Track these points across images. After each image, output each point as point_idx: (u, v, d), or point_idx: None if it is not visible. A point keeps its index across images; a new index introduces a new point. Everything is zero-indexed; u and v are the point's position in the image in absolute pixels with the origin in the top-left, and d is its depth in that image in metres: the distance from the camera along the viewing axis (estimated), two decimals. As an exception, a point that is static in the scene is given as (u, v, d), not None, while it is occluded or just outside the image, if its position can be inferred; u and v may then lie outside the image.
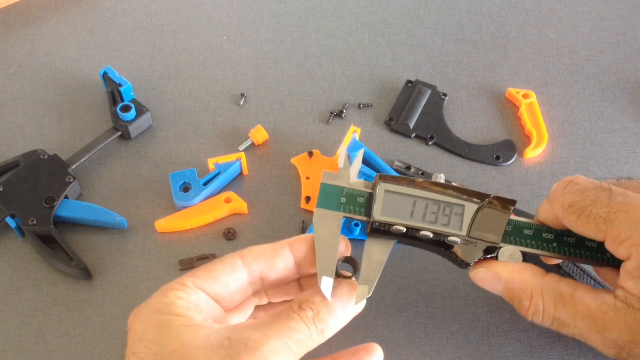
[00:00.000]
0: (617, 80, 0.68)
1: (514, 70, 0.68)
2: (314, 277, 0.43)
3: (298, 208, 0.58)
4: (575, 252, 0.46)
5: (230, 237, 0.56)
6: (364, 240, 0.55)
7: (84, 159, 0.58)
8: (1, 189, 0.55)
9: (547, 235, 0.46)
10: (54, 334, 0.51)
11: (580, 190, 0.43)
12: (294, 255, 0.42)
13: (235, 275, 0.40)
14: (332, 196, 0.45)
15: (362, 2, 0.74)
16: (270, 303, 0.45)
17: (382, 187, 0.45)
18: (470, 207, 0.46)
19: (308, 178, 0.59)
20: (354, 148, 0.58)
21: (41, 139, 0.62)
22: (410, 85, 0.66)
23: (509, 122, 0.64)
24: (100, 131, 0.61)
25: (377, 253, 0.44)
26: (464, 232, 0.45)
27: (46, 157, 0.57)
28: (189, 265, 0.54)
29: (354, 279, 0.42)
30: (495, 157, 0.61)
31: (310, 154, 0.60)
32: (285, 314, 0.38)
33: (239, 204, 0.57)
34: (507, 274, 0.45)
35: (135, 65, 0.68)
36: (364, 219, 0.45)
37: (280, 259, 0.41)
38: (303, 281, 0.45)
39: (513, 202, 0.46)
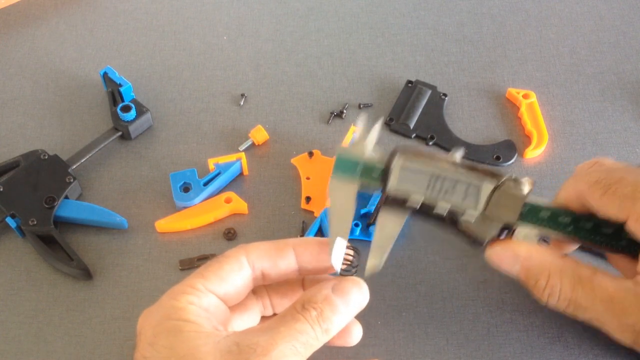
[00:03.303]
0: (617, 80, 0.68)
1: (514, 70, 0.68)
2: (317, 280, 0.43)
3: (298, 208, 0.58)
4: (590, 237, 0.45)
5: (230, 237, 0.56)
6: (364, 240, 0.55)
7: (84, 159, 0.58)
8: (1, 189, 0.55)
9: (563, 219, 0.46)
10: (54, 334, 0.51)
11: (606, 169, 0.44)
12: (297, 257, 0.42)
13: (241, 273, 0.40)
14: (348, 167, 0.45)
15: (362, 2, 0.74)
16: (275, 314, 0.45)
17: (398, 161, 0.45)
18: (487, 186, 0.45)
19: (308, 178, 0.59)
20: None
21: (41, 139, 0.62)
22: (410, 85, 0.66)
23: (509, 122, 0.64)
24: (100, 131, 0.61)
25: (389, 226, 0.44)
26: (479, 210, 0.45)
27: (46, 157, 0.57)
28: (189, 265, 0.54)
29: (355, 276, 0.42)
30: (495, 157, 0.61)
31: (310, 154, 0.60)
32: (290, 315, 0.38)
33: (239, 204, 0.57)
34: (525, 252, 0.44)
35: (135, 65, 0.68)
36: (379, 189, 0.45)
37: (282, 259, 0.41)
38: (307, 285, 0.45)
39: (531, 183, 0.46)
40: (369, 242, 0.55)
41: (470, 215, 0.45)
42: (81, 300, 0.52)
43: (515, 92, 0.65)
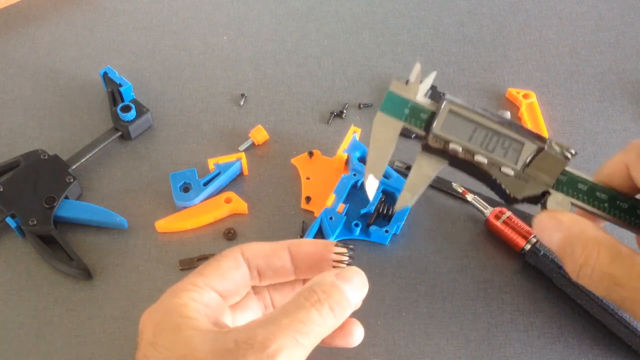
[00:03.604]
0: (617, 80, 0.68)
1: (514, 70, 0.68)
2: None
3: (298, 208, 0.58)
4: (625, 217, 0.45)
5: (230, 237, 0.56)
6: (363, 240, 0.55)
7: (84, 159, 0.58)
8: (1, 189, 0.55)
9: (600, 195, 0.46)
10: (54, 334, 0.51)
11: None
12: (292, 257, 0.42)
13: (239, 271, 0.40)
14: (397, 105, 0.46)
15: (362, 2, 0.74)
16: None
17: (447, 106, 0.45)
18: (530, 146, 0.45)
19: (308, 178, 0.59)
20: (354, 148, 0.58)
21: (41, 139, 0.62)
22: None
23: (509, 122, 0.64)
24: (100, 131, 0.61)
25: (427, 167, 0.45)
26: (519, 167, 0.45)
27: (46, 157, 0.57)
28: (189, 265, 0.54)
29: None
30: (495, 157, 0.61)
31: (310, 154, 0.60)
32: (294, 304, 0.37)
33: (239, 204, 0.57)
34: (569, 221, 0.44)
35: (135, 65, 0.68)
36: (422, 133, 0.45)
37: (277, 258, 0.41)
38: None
39: (573, 153, 0.46)
40: (369, 242, 0.55)
41: (509, 171, 0.45)
42: (81, 300, 0.52)
43: (515, 92, 0.65)
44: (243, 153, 0.60)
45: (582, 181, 0.46)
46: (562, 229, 0.44)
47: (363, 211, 0.56)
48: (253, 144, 0.61)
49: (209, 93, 0.66)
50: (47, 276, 0.53)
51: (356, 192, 0.57)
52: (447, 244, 0.56)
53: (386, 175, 0.57)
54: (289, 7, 0.73)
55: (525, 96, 0.65)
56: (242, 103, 0.65)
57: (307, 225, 0.56)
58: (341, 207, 0.55)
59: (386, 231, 0.55)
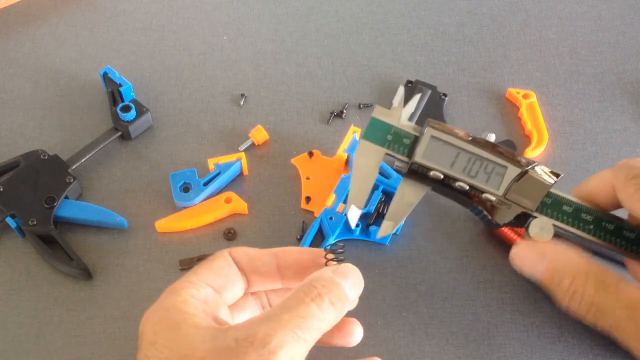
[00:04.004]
0: (617, 80, 0.68)
1: (514, 70, 0.68)
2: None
3: (298, 208, 0.58)
4: (611, 239, 0.44)
5: (230, 237, 0.56)
6: (363, 240, 0.55)
7: (84, 159, 0.58)
8: (1, 189, 0.55)
9: (585, 216, 0.45)
10: (54, 334, 0.51)
11: None
12: (279, 264, 0.42)
13: (232, 269, 0.41)
14: (380, 131, 0.46)
15: (362, 2, 0.74)
16: None
17: (429, 132, 0.45)
18: (513, 170, 0.45)
19: (308, 178, 0.59)
20: (354, 148, 0.58)
21: (41, 139, 0.62)
22: (410, 85, 0.66)
23: (509, 122, 0.64)
24: (100, 131, 0.61)
25: (409, 195, 0.45)
26: (501, 192, 0.45)
27: (46, 157, 0.57)
28: (189, 265, 0.54)
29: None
30: (495, 157, 0.61)
31: (310, 154, 0.60)
32: (295, 299, 0.37)
33: (239, 204, 0.57)
34: (552, 252, 0.43)
35: (135, 65, 0.68)
36: (405, 159, 0.45)
37: (262, 263, 0.41)
38: None
39: (557, 175, 0.45)
40: (369, 242, 0.55)
41: (491, 196, 0.45)
42: (81, 300, 0.52)
43: (515, 92, 0.65)
44: (243, 153, 0.60)
45: (568, 203, 0.46)
46: (546, 260, 0.44)
47: (363, 211, 0.56)
48: (253, 144, 0.61)
49: (209, 93, 0.66)
50: (47, 276, 0.53)
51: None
52: (447, 244, 0.56)
53: (386, 175, 0.57)
54: (289, 7, 0.73)
55: (525, 96, 0.65)
56: (242, 103, 0.65)
57: (307, 225, 0.56)
58: (341, 207, 0.55)
59: (386, 231, 0.55)
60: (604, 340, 0.51)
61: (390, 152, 0.45)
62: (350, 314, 0.41)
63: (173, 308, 0.37)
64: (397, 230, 0.56)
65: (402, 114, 0.46)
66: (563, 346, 0.51)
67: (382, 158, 0.45)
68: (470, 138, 0.46)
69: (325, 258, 0.41)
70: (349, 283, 0.39)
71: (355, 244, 0.55)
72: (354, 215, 0.42)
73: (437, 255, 0.55)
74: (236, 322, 0.42)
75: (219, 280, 0.40)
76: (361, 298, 0.52)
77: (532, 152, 0.61)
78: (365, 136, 0.46)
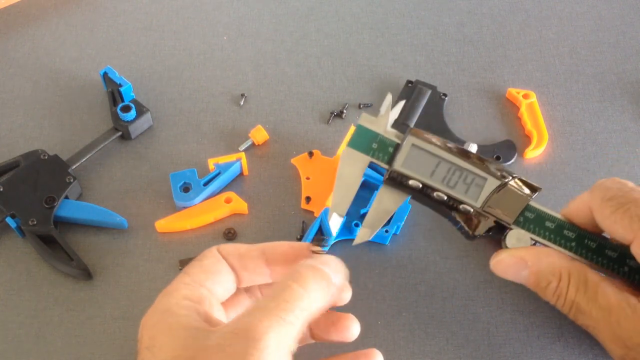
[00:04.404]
0: (617, 80, 0.68)
1: (514, 70, 0.68)
2: None
3: (298, 208, 0.58)
4: (592, 257, 0.44)
5: (230, 237, 0.56)
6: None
7: (84, 159, 0.58)
8: (1, 189, 0.55)
9: (567, 233, 0.45)
10: (54, 334, 0.51)
11: (625, 189, 0.43)
12: (267, 259, 0.42)
13: (222, 266, 0.41)
14: (365, 139, 0.46)
15: (362, 2, 0.74)
16: None
17: (410, 140, 0.45)
18: (492, 182, 0.45)
19: (308, 178, 0.59)
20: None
21: (41, 139, 0.62)
22: (410, 85, 0.66)
23: (509, 122, 0.64)
24: (100, 131, 0.61)
25: (387, 202, 0.45)
26: (479, 204, 0.45)
27: (46, 157, 0.57)
28: (189, 265, 0.54)
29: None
30: (495, 157, 0.61)
31: (310, 154, 0.60)
32: (279, 285, 0.37)
33: (239, 204, 0.57)
34: (533, 256, 0.43)
35: (135, 65, 0.68)
36: (386, 166, 0.45)
37: (250, 259, 0.41)
38: None
39: (537, 189, 0.45)
40: (369, 242, 0.55)
41: (469, 207, 0.44)
42: (81, 300, 0.52)
43: (515, 92, 0.65)
44: (243, 153, 0.60)
45: (550, 219, 0.45)
46: (529, 265, 0.44)
47: (363, 211, 0.56)
48: (253, 144, 0.61)
49: (209, 93, 0.66)
50: (47, 276, 0.53)
51: (356, 192, 0.57)
52: (447, 244, 0.56)
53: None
54: (289, 7, 0.73)
55: (525, 96, 0.65)
56: (242, 103, 0.65)
57: (307, 225, 0.56)
58: (341, 207, 0.55)
59: (386, 231, 0.55)
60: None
61: (374, 160, 0.45)
62: (350, 313, 0.41)
63: (167, 311, 0.37)
64: (397, 230, 0.56)
65: (388, 122, 0.46)
66: (563, 346, 0.51)
67: (365, 166, 0.45)
68: (451, 147, 0.45)
69: (310, 250, 0.41)
70: (331, 268, 0.39)
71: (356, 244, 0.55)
72: (335, 223, 0.42)
73: (437, 255, 0.55)
74: (230, 319, 0.42)
75: (210, 279, 0.40)
76: (361, 298, 0.52)
77: (532, 152, 0.61)
78: (351, 144, 0.46)
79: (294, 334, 0.35)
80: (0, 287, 0.53)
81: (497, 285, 0.54)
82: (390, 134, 0.46)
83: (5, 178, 0.56)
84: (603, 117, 0.65)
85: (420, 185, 0.44)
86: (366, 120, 0.46)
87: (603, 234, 0.45)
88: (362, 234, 0.43)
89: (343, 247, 0.55)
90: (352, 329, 0.42)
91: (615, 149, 0.62)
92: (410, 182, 0.44)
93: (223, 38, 0.70)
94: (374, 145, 0.45)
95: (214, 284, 0.40)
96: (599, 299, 0.42)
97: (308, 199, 0.58)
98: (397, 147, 0.45)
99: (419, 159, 0.45)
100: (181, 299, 0.38)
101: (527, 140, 0.63)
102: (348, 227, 0.55)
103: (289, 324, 0.35)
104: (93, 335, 0.51)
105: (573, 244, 0.45)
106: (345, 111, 0.64)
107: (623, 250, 0.44)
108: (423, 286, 0.54)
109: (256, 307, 0.36)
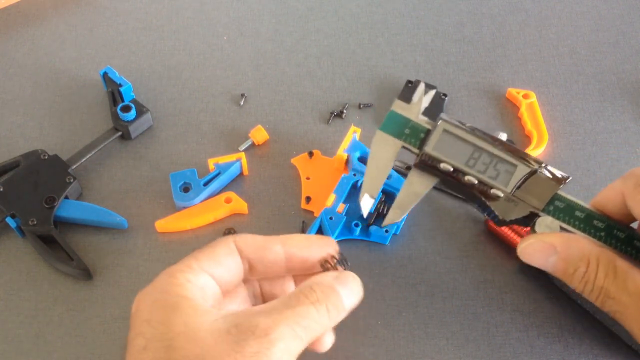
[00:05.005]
0: (617, 80, 0.68)
1: (514, 70, 0.68)
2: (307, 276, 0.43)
3: (298, 208, 0.58)
4: (621, 247, 0.45)
5: (230, 237, 0.56)
6: (363, 240, 0.55)
7: (84, 159, 0.58)
8: (1, 189, 0.55)
9: (597, 223, 0.45)
10: (54, 334, 0.51)
11: None
12: (285, 252, 0.42)
13: (233, 258, 0.40)
14: (398, 124, 0.47)
15: (362, 2, 0.74)
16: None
17: (442, 125, 0.47)
18: (522, 168, 0.46)
19: (308, 178, 0.59)
20: (354, 148, 0.58)
21: (41, 139, 0.62)
22: (410, 85, 0.66)
23: (509, 122, 0.64)
24: (100, 131, 0.61)
25: (417, 185, 0.46)
26: (509, 189, 0.45)
27: (46, 157, 0.57)
28: (189, 265, 0.54)
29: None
30: (495, 157, 0.61)
31: (310, 154, 0.60)
32: (295, 298, 0.37)
33: (239, 204, 0.57)
34: (562, 242, 0.44)
35: (135, 65, 0.68)
36: (416, 151, 0.46)
37: (269, 251, 0.41)
38: (298, 280, 0.45)
39: (566, 178, 0.46)
40: (369, 242, 0.55)
41: (500, 192, 0.45)
42: (81, 300, 0.52)
43: (515, 92, 0.65)
44: (243, 153, 0.60)
45: (580, 209, 0.46)
46: (558, 251, 0.44)
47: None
48: (253, 144, 0.61)
49: (209, 93, 0.66)
50: (47, 276, 0.53)
51: (356, 192, 0.57)
52: (447, 244, 0.56)
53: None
54: (289, 7, 0.73)
55: (525, 96, 0.65)
56: (242, 103, 0.65)
57: (307, 225, 0.56)
58: (341, 207, 0.55)
59: (386, 231, 0.55)
60: (604, 340, 0.51)
61: (406, 145, 0.46)
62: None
63: (170, 291, 0.37)
64: (397, 230, 0.56)
65: (421, 108, 0.47)
66: (563, 346, 0.51)
67: (398, 150, 0.47)
68: (482, 135, 0.46)
69: (331, 263, 0.41)
70: (348, 292, 0.40)
71: (355, 244, 0.55)
72: (366, 204, 0.43)
73: (437, 255, 0.55)
74: (227, 309, 0.42)
75: (219, 269, 0.40)
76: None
77: (532, 152, 0.61)
78: (383, 128, 0.47)
79: (299, 349, 0.36)
80: (0, 287, 0.53)
81: (497, 285, 0.54)
82: (422, 120, 0.47)
83: (5, 178, 0.56)
84: (603, 117, 0.65)
85: (451, 169, 0.45)
86: (399, 106, 0.47)
87: (631, 225, 0.46)
88: (392, 216, 0.44)
89: (343, 247, 0.55)
90: (326, 340, 0.42)
91: (615, 149, 0.62)
92: (442, 165, 0.45)
93: (223, 38, 0.70)
94: (407, 131, 0.47)
95: (220, 272, 0.40)
96: (628, 285, 0.42)
97: (308, 199, 0.58)
98: (428, 132, 0.46)
99: (450, 143, 0.46)
100: (184, 281, 0.38)
101: (527, 140, 0.63)
102: (348, 227, 0.55)
103: (299, 339, 0.36)
104: (93, 335, 0.51)
105: (602, 233, 0.45)
106: (345, 111, 0.64)
107: None
108: (423, 286, 0.54)
109: (272, 310, 0.36)
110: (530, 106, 0.64)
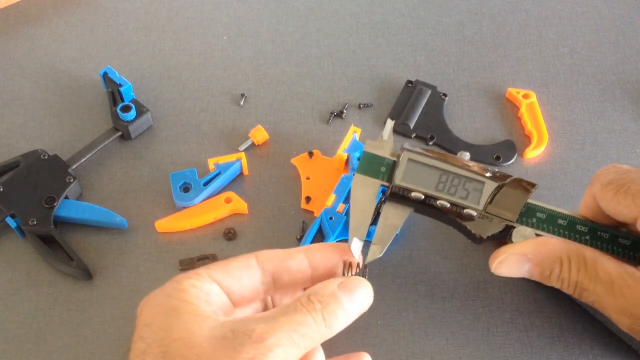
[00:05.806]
0: (617, 80, 0.68)
1: (514, 70, 0.68)
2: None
3: (298, 208, 0.58)
4: (607, 248, 0.46)
5: (230, 237, 0.56)
6: (364, 241, 0.55)
7: (84, 159, 0.58)
8: (1, 189, 0.55)
9: (580, 228, 0.46)
10: (54, 334, 0.51)
11: (621, 170, 0.44)
12: (309, 260, 0.42)
13: (248, 272, 0.40)
14: (373, 164, 0.48)
15: (362, 2, 0.74)
16: None
17: (405, 155, 0.47)
18: (490, 184, 0.47)
19: (308, 178, 0.59)
20: (354, 148, 0.58)
21: (41, 139, 0.62)
22: (410, 85, 0.66)
23: (509, 122, 0.64)
24: (100, 131, 0.61)
25: (393, 217, 0.46)
26: (481, 207, 0.46)
27: (46, 157, 0.57)
28: (189, 265, 0.54)
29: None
30: (495, 157, 0.61)
31: (310, 154, 0.60)
32: (292, 307, 0.37)
33: (239, 204, 0.57)
34: (532, 248, 0.45)
35: (135, 65, 0.68)
36: (386, 184, 0.47)
37: (293, 260, 0.41)
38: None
39: (533, 185, 0.47)
40: (369, 242, 0.55)
41: (472, 211, 0.46)
42: (81, 300, 0.52)
43: (515, 92, 0.65)
44: (243, 153, 0.60)
45: (562, 217, 0.47)
46: (530, 258, 0.45)
47: (363, 211, 0.56)
48: (253, 144, 0.61)
49: (209, 93, 0.66)
50: (47, 276, 0.53)
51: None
52: (447, 244, 0.56)
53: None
54: (289, 7, 0.73)
55: (525, 96, 0.65)
56: (242, 103, 0.65)
57: (307, 225, 0.56)
58: (341, 207, 0.55)
59: (386, 231, 0.55)
60: (604, 340, 0.51)
61: (384, 183, 0.47)
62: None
63: (173, 296, 0.37)
64: (397, 230, 0.55)
65: (390, 145, 0.48)
66: (563, 346, 0.51)
67: (377, 189, 0.47)
68: (447, 157, 0.47)
69: (347, 268, 0.41)
70: (351, 299, 0.39)
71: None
72: (356, 248, 0.42)
73: (437, 255, 0.55)
74: (236, 313, 0.42)
75: (228, 280, 0.39)
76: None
77: (532, 152, 0.61)
78: (360, 171, 0.48)
79: (296, 356, 0.36)
80: (0, 287, 0.53)
81: (497, 285, 0.54)
82: (391, 155, 0.48)
83: (5, 178, 0.56)
84: (603, 117, 0.65)
85: (422, 197, 0.46)
86: (371, 146, 0.48)
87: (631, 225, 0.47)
88: (374, 251, 0.44)
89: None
90: (316, 357, 0.42)
91: (615, 149, 0.62)
92: (413, 194, 0.46)
93: (223, 38, 0.70)
94: (382, 169, 0.47)
95: (229, 283, 0.40)
96: (599, 274, 0.43)
97: (308, 198, 0.58)
98: (394, 164, 0.47)
99: (417, 171, 0.47)
100: (189, 286, 0.38)
101: (527, 140, 0.63)
102: (348, 227, 0.55)
103: (296, 346, 0.36)
104: (93, 335, 0.51)
105: (587, 237, 0.46)
106: (345, 111, 0.64)
107: (636, 238, 0.46)
108: (423, 286, 0.54)
109: (269, 317, 0.36)
110: (530, 106, 0.64)
